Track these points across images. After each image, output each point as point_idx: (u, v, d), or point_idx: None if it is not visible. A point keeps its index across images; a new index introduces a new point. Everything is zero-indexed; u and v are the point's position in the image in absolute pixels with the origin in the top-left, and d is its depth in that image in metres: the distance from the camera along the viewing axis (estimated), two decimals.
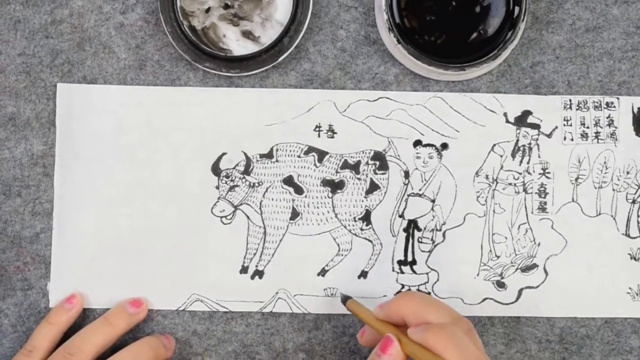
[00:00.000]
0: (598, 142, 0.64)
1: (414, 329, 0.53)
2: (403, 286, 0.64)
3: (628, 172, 0.64)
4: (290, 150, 0.64)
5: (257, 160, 0.64)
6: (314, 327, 0.64)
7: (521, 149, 0.64)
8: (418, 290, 0.64)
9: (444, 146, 0.64)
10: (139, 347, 0.61)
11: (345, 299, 0.62)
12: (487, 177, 0.64)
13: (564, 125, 0.64)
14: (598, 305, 0.64)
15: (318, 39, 0.64)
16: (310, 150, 0.64)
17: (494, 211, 0.64)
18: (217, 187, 0.64)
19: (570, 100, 0.64)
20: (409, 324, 0.55)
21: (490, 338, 0.64)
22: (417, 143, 0.64)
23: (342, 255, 0.64)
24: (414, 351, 0.53)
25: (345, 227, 0.64)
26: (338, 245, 0.64)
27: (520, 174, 0.64)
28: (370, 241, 0.64)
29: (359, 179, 0.64)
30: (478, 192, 0.64)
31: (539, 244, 0.64)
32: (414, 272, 0.64)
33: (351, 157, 0.64)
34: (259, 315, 0.64)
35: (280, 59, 0.63)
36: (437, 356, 0.51)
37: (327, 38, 0.64)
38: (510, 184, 0.64)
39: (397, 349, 0.53)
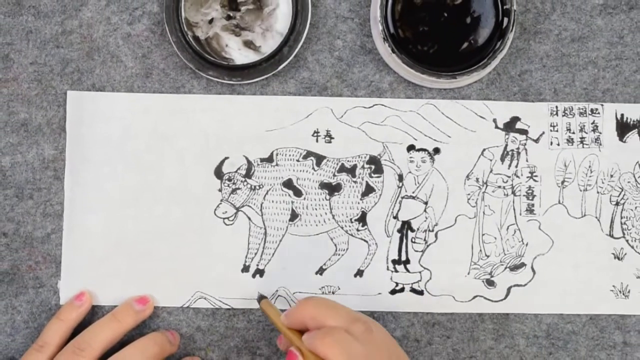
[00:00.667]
0: (583, 147, 0.65)
1: (306, 336, 0.53)
2: (397, 284, 0.64)
3: (612, 176, 0.65)
4: (290, 155, 0.65)
5: (258, 164, 0.65)
6: None
7: (510, 153, 0.65)
8: (411, 288, 0.64)
9: (436, 151, 0.65)
10: (145, 342, 0.61)
11: (260, 299, 0.62)
12: (477, 180, 0.65)
13: (551, 130, 0.65)
14: (583, 302, 0.64)
15: (316, 49, 0.65)
16: (308, 154, 0.65)
17: (484, 213, 0.65)
18: (220, 190, 0.65)
19: (556, 107, 0.65)
20: (310, 330, 0.54)
21: (480, 334, 0.64)
22: (411, 148, 0.65)
23: (339, 254, 0.65)
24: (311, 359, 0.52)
25: (342, 228, 0.65)
26: (335, 245, 0.65)
27: (509, 177, 0.65)
28: (366, 241, 0.65)
29: (355, 182, 0.65)
30: (469, 194, 0.65)
31: (526, 244, 0.65)
32: (408, 270, 0.64)
33: (348, 161, 0.65)
34: (260, 312, 0.64)
35: (280, 67, 0.63)
36: None
37: (325, 48, 0.65)
38: (499, 186, 0.65)
39: None
